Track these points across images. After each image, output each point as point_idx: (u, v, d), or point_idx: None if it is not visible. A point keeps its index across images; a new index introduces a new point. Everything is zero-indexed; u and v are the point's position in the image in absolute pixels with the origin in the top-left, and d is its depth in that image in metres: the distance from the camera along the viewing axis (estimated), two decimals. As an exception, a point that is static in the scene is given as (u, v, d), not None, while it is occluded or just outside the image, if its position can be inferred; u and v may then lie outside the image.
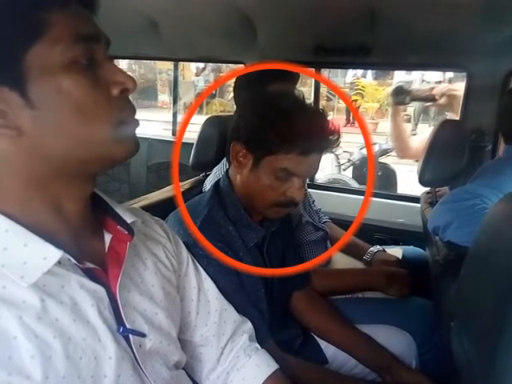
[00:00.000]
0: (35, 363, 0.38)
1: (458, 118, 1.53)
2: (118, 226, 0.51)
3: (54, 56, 0.39)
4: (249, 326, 0.76)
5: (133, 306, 0.51)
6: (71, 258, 0.43)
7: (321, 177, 3.33)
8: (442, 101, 1.68)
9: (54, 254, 0.42)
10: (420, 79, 6.02)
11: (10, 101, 0.38)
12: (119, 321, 0.47)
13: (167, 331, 0.56)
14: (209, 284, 0.71)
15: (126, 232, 0.51)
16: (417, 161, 2.12)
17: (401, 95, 1.72)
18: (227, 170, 0.93)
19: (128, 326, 0.48)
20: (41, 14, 0.38)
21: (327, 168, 3.90)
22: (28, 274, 0.40)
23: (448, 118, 1.63)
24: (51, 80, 0.39)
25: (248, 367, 0.70)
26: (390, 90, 1.91)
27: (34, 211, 0.44)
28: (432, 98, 1.69)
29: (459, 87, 1.68)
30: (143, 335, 0.50)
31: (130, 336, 0.48)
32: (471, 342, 0.59)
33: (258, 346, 0.75)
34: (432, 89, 1.70)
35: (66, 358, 0.41)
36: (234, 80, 1.36)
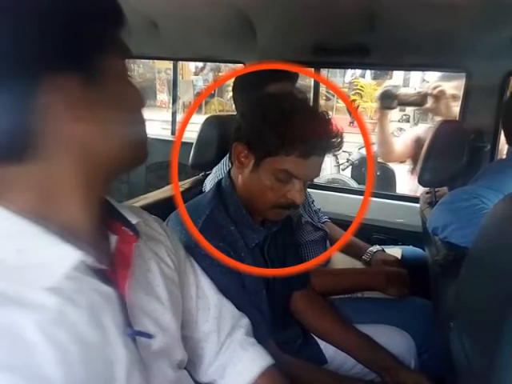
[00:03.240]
0: (56, 369, 0.37)
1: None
2: (123, 227, 0.51)
3: (117, 66, 0.44)
4: (246, 320, 0.77)
5: (140, 307, 0.50)
6: (90, 260, 0.42)
7: (320, 177, 3.32)
8: (429, 105, 1.68)
9: (74, 255, 0.41)
10: (421, 78, 6.03)
11: (79, 96, 0.40)
12: (128, 323, 0.47)
13: (173, 331, 0.56)
14: (205, 280, 0.72)
15: (132, 233, 0.51)
16: (401, 162, 2.14)
17: (388, 99, 1.72)
18: (229, 170, 0.93)
19: (135, 327, 0.48)
20: (113, 31, 0.43)
21: (326, 168, 3.90)
22: (47, 277, 0.39)
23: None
24: (114, 85, 0.43)
25: (244, 361, 0.71)
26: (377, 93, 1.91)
27: (61, 211, 0.43)
28: (419, 103, 1.70)
29: (446, 88, 1.69)
30: (150, 336, 0.50)
31: (137, 338, 0.48)
32: (470, 342, 0.59)
33: (254, 340, 0.75)
34: (419, 93, 1.70)
35: (84, 363, 0.40)
36: (232, 80, 1.36)
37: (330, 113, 0.85)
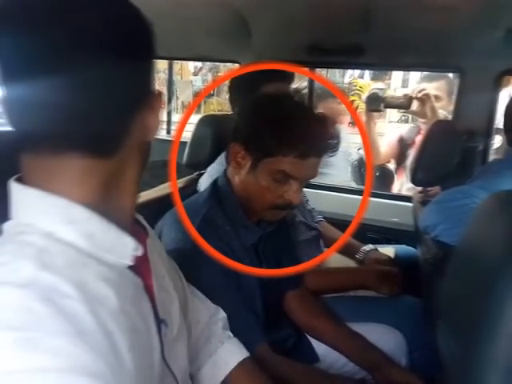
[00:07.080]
0: (130, 357, 0.39)
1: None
2: (133, 224, 0.52)
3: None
4: (222, 314, 0.76)
5: (156, 298, 0.52)
6: (138, 249, 0.44)
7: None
8: (414, 108, 1.69)
9: (132, 243, 0.43)
10: (420, 79, 6.02)
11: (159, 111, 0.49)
12: (155, 312, 0.49)
13: (183, 321, 0.58)
14: (181, 274, 0.72)
15: (142, 230, 0.53)
16: (386, 163, 2.17)
17: (374, 102, 1.73)
18: (225, 170, 0.93)
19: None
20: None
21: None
22: (113, 262, 0.42)
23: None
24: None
25: (220, 353, 0.72)
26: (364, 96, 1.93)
27: (116, 204, 0.44)
28: (405, 106, 1.71)
29: (429, 89, 1.70)
30: (169, 326, 0.52)
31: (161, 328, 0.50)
32: (456, 339, 0.60)
33: (230, 333, 0.75)
34: (405, 96, 1.71)
35: (141, 352, 0.42)
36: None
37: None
